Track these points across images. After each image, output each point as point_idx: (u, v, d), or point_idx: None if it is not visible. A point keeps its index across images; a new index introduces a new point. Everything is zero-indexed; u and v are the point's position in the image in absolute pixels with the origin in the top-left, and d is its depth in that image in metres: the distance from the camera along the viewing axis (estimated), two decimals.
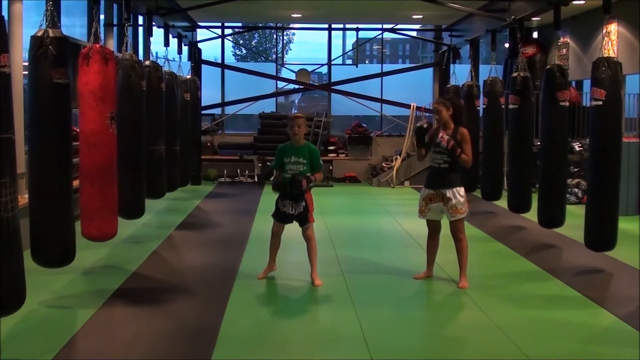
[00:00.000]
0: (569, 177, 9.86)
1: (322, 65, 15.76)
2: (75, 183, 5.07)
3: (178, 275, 6.22)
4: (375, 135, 14.72)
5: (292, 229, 5.90)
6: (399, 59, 50.34)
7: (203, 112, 13.42)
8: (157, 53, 12.69)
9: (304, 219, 5.76)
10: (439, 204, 5.73)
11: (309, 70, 15.31)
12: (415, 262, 6.40)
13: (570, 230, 7.64)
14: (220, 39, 15.19)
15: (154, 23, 9.09)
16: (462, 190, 5.73)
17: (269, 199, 5.94)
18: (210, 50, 17.61)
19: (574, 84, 12.05)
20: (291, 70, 15.34)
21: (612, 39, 10.27)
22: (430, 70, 15.55)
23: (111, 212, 5.38)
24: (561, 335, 4.58)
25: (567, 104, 7.20)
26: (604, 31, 7.34)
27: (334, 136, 14.88)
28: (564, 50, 12.49)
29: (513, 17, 9.33)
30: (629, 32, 10.26)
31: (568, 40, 12.32)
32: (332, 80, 15.39)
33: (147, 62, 7.52)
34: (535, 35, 13.70)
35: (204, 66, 13.93)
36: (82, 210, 5.28)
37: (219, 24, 14.92)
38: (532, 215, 8.02)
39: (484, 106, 9.48)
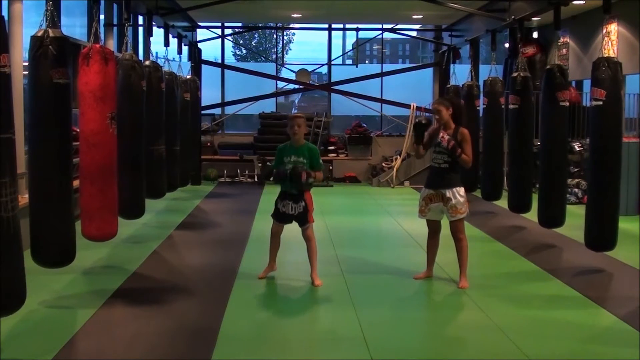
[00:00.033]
0: (569, 177, 9.86)
1: (322, 65, 15.77)
2: (76, 183, 5.07)
3: (178, 275, 6.22)
4: (375, 135, 14.73)
5: (292, 229, 5.90)
6: (399, 59, 50.34)
7: (203, 112, 13.42)
8: (157, 53, 12.71)
9: (304, 219, 5.76)
10: (439, 204, 5.73)
11: (309, 70, 15.31)
12: (415, 262, 6.40)
13: (570, 230, 7.64)
14: (220, 39, 15.20)
15: (154, 23, 9.09)
16: (462, 190, 5.73)
17: (269, 199, 5.94)
18: (210, 50, 17.65)
19: (574, 84, 12.05)
20: (291, 70, 15.34)
21: (612, 39, 10.27)
22: (430, 70, 15.55)
23: (111, 212, 5.38)
24: (561, 335, 4.58)
25: (567, 104, 7.20)
26: (604, 31, 7.34)
27: (334, 136, 14.88)
28: (564, 50, 12.49)
29: (513, 17, 9.33)
30: (629, 32, 10.26)
31: (568, 40, 12.32)
32: (332, 80, 15.39)
33: (147, 62, 7.52)
34: (535, 35, 13.70)
35: (204, 66, 13.93)
36: (82, 210, 5.28)
37: (219, 24, 14.92)
38: (532, 215, 8.02)
39: (484, 106, 9.48)
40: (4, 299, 3.65)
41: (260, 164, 13.77)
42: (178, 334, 4.51)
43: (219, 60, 15.65)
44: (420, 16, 13.29)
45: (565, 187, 7.43)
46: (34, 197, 4.69)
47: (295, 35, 31.04)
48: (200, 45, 14.04)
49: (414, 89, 15.38)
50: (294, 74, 15.10)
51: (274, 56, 19.86)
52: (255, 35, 37.75)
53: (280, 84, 15.56)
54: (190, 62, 13.12)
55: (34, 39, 4.56)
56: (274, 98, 15.56)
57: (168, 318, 4.86)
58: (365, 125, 14.93)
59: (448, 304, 5.50)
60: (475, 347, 4.44)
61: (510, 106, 8.18)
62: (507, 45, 14.29)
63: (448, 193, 5.68)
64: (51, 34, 4.54)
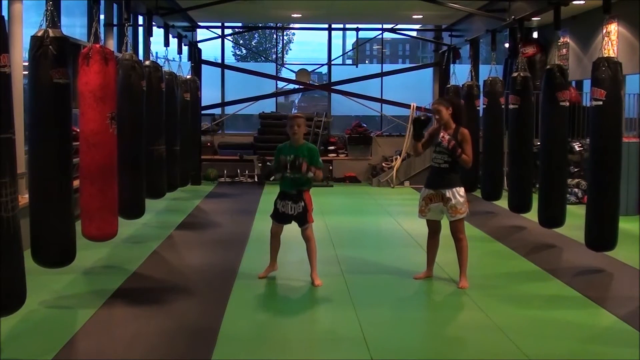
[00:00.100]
0: (569, 177, 9.86)
1: (322, 65, 15.76)
2: (76, 183, 5.07)
3: (178, 275, 6.22)
4: (375, 135, 14.72)
5: (292, 229, 5.90)
6: (399, 59, 50.33)
7: (203, 112, 13.42)
8: (157, 53, 12.70)
9: (303, 219, 5.76)
10: (438, 204, 5.73)
11: (309, 70, 15.31)
12: (415, 262, 6.40)
13: (570, 230, 7.64)
14: (220, 39, 15.20)
15: (154, 23, 9.09)
16: (462, 190, 5.73)
17: (269, 199, 5.94)
18: (210, 50, 17.63)
19: (574, 84, 12.05)
20: (291, 70, 15.34)
21: (612, 39, 10.27)
22: (430, 70, 15.55)
23: (111, 212, 5.38)
24: (561, 335, 4.58)
25: (567, 104, 7.20)
26: (604, 31, 7.34)
27: (334, 136, 14.88)
28: (564, 50, 12.49)
29: (513, 17, 9.33)
30: (629, 32, 10.26)
31: (568, 40, 12.32)
32: (332, 80, 15.39)
33: (147, 62, 7.52)
34: (535, 35, 13.70)
35: (204, 66, 13.93)
36: (83, 210, 5.28)
37: (219, 24, 14.92)
38: (532, 215, 8.03)
39: (484, 106, 9.48)
40: (4, 299, 3.65)
41: (260, 164, 13.77)
42: (178, 334, 4.51)
43: (219, 60, 15.65)
44: (420, 16, 13.29)
45: (565, 187, 7.43)
46: (34, 197, 4.69)
47: (295, 35, 31.06)
48: (200, 45, 14.05)
49: (414, 89, 15.39)
50: (294, 74, 15.10)
51: (274, 56, 19.86)
52: (255, 35, 37.76)
53: (280, 84, 15.56)
54: (190, 62, 13.12)
55: (34, 39, 4.56)
56: (274, 98, 15.56)
57: (168, 318, 4.86)
58: (365, 125, 14.93)
59: (448, 304, 5.50)
60: (475, 347, 4.44)
61: (510, 106, 8.18)
62: (507, 45, 14.28)
63: (448, 193, 5.67)
64: (51, 34, 4.54)
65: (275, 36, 19.48)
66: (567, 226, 7.37)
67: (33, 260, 4.66)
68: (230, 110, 15.08)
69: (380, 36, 16.15)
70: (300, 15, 13.44)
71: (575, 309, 5.19)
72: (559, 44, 12.59)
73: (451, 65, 12.63)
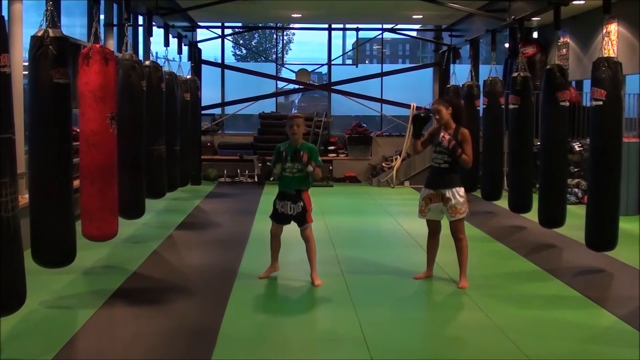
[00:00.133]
0: (569, 177, 9.86)
1: (322, 65, 15.76)
2: (76, 183, 5.07)
3: (178, 275, 6.22)
4: (375, 135, 14.72)
5: (292, 229, 5.90)
6: (399, 59, 50.33)
7: (203, 112, 13.42)
8: (157, 53, 12.69)
9: (302, 219, 5.76)
10: (438, 204, 5.73)
11: (309, 70, 15.31)
12: (415, 262, 6.40)
13: (570, 230, 7.64)
14: (220, 39, 15.20)
15: (154, 23, 9.09)
16: (461, 190, 5.73)
17: (269, 199, 5.93)
18: (210, 50, 17.63)
19: (574, 84, 12.05)
20: (291, 70, 15.34)
21: (612, 39, 10.27)
22: (430, 70, 15.55)
23: (111, 212, 5.38)
24: (561, 335, 4.58)
25: (567, 104, 7.20)
26: (604, 31, 7.34)
27: (334, 136, 14.88)
28: (564, 50, 12.49)
29: (513, 17, 9.33)
30: (629, 32, 10.26)
31: (568, 40, 12.32)
32: (332, 80, 15.39)
33: (147, 62, 7.52)
34: (535, 35, 13.70)
35: (204, 66, 13.93)
36: (83, 210, 5.28)
37: (219, 24, 14.92)
38: (532, 215, 8.03)
39: (484, 106, 9.48)
40: (4, 299, 3.65)
41: (260, 164, 13.77)
42: (178, 334, 4.51)
43: (219, 60, 15.65)
44: (420, 16, 13.29)
45: (565, 187, 7.43)
46: (34, 197, 4.69)
47: (295, 35, 31.07)
48: (200, 45, 14.04)
49: (414, 89, 15.38)
50: (294, 74, 15.10)
51: (274, 56, 19.86)
52: (255, 35, 37.75)
53: (280, 84, 15.56)
54: (190, 62, 13.12)
55: (34, 39, 4.56)
56: (274, 98, 15.56)
57: (168, 318, 4.86)
58: (365, 125, 14.93)
59: (448, 304, 5.50)
60: (475, 347, 4.44)
61: (510, 106, 8.18)
62: (507, 45, 14.28)
63: (448, 193, 5.67)
64: (51, 34, 4.54)
65: (275, 36, 19.49)
66: (567, 226, 7.37)
67: (33, 260, 4.66)
68: (230, 110, 15.08)
69: (380, 36, 16.15)
70: (300, 15, 13.44)
71: (575, 309, 5.19)
72: (559, 44, 12.59)
73: (451, 65, 12.62)
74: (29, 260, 4.28)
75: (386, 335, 4.59)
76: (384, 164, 14.03)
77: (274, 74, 15.65)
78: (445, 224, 5.84)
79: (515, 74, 8.16)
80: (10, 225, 3.62)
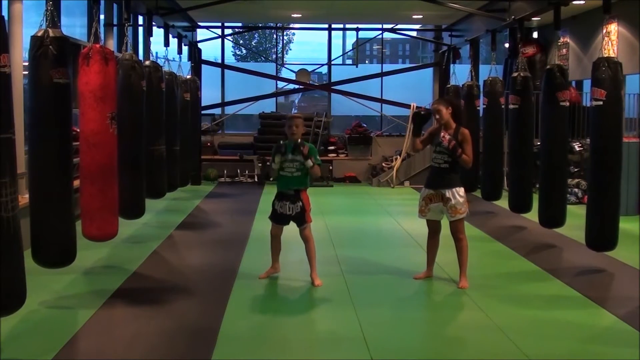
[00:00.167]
0: (569, 177, 9.86)
1: (322, 65, 15.76)
2: (76, 183, 5.07)
3: (178, 275, 6.22)
4: (375, 135, 14.72)
5: (292, 229, 5.90)
6: (399, 59, 50.33)
7: (203, 112, 13.41)
8: (157, 53, 12.69)
9: (301, 219, 5.76)
10: (438, 204, 5.73)
11: (309, 70, 15.31)
12: (415, 262, 6.40)
13: (570, 230, 7.64)
14: (220, 39, 15.20)
15: (154, 23, 9.09)
16: (461, 190, 5.73)
17: (269, 199, 5.94)
18: (210, 50, 17.59)
19: (574, 84, 12.05)
20: (291, 70, 15.34)
21: (612, 39, 10.27)
22: (430, 70, 15.55)
23: (112, 212, 5.38)
24: (561, 335, 4.58)
25: (567, 104, 7.20)
26: (604, 31, 7.34)
27: (334, 136, 14.88)
28: (564, 50, 12.49)
29: (513, 17, 9.33)
30: (629, 32, 10.26)
31: (568, 40, 12.32)
32: (332, 80, 15.39)
33: (147, 62, 7.52)
34: (535, 35, 13.70)
35: (204, 66, 13.93)
36: (83, 210, 5.28)
37: (219, 24, 14.92)
38: (532, 215, 8.03)
39: (484, 106, 9.48)
40: (4, 299, 3.65)
41: (260, 164, 13.77)
42: (178, 334, 4.51)
43: (219, 60, 15.65)
44: (420, 16, 13.29)
45: (565, 187, 7.43)
46: (34, 197, 4.69)
47: (295, 35, 31.06)
48: (200, 45, 14.04)
49: (414, 89, 15.38)
50: (294, 74, 15.10)
51: (274, 56, 19.86)
52: (255, 35, 37.74)
53: (280, 84, 15.56)
54: (190, 62, 13.12)
55: (34, 39, 4.56)
56: (274, 98, 15.56)
57: (168, 318, 4.86)
58: (365, 125, 14.93)
59: (448, 304, 5.50)
60: (475, 347, 4.44)
61: (510, 106, 8.18)
62: (507, 45, 14.28)
63: (448, 193, 5.67)
64: (51, 34, 4.54)
65: (275, 36, 19.49)
66: (567, 226, 7.37)
67: (33, 260, 4.66)
68: (230, 110, 15.08)
69: (380, 36, 16.15)
70: (300, 15, 13.44)
71: (575, 309, 5.19)
72: (559, 44, 12.59)
73: (451, 65, 12.62)
74: (29, 260, 4.28)
75: (386, 335, 4.59)
76: (384, 164, 14.03)
77: (274, 74, 15.65)
78: (445, 224, 5.84)
79: (515, 74, 8.16)
80: (10, 225, 3.62)
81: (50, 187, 4.62)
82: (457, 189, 5.70)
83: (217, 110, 14.99)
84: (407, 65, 26.85)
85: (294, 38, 32.19)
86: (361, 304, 5.19)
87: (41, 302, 5.08)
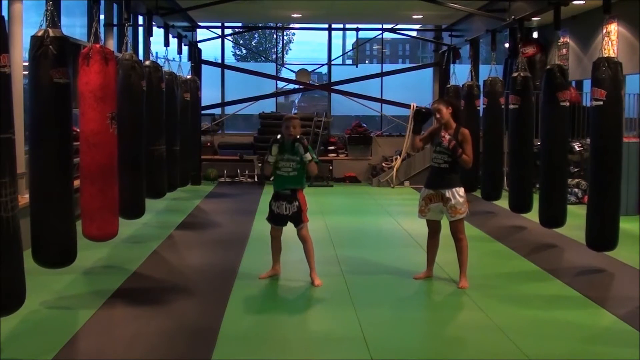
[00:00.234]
0: (569, 177, 9.86)
1: (322, 65, 15.76)
2: (76, 183, 5.07)
3: (178, 275, 6.22)
4: (375, 135, 14.72)
5: (292, 229, 5.90)
6: (399, 59, 50.33)
7: (203, 112, 13.41)
8: (157, 53, 12.69)
9: (298, 219, 5.76)
10: (438, 204, 5.73)
11: (309, 70, 15.31)
12: (415, 262, 6.40)
13: (570, 230, 7.64)
14: (220, 39, 15.19)
15: (154, 23, 9.09)
16: (461, 190, 5.73)
17: (269, 199, 5.94)
18: (210, 50, 17.56)
19: (574, 84, 12.05)
20: (291, 70, 15.34)
21: (612, 39, 10.27)
22: (430, 70, 15.55)
23: (112, 212, 5.38)
24: (561, 335, 4.58)
25: (568, 104, 7.20)
26: (604, 31, 7.34)
27: (334, 136, 14.88)
28: (564, 50, 12.49)
29: (513, 17, 9.33)
30: (629, 32, 10.26)
31: (568, 40, 12.32)
32: (332, 80, 15.39)
33: (147, 62, 7.52)
34: (535, 35, 13.70)
35: (204, 66, 13.93)
36: (83, 210, 5.28)
37: (219, 24, 14.92)
38: (532, 215, 8.03)
39: (484, 106, 9.48)
40: (4, 299, 3.64)
41: (260, 164, 13.77)
42: (178, 334, 4.51)
43: (219, 60, 15.65)
44: (420, 16, 13.29)
45: (565, 187, 7.43)
46: (34, 197, 4.69)
47: (295, 35, 31.06)
48: (200, 45, 14.05)
49: (414, 89, 15.38)
50: (294, 74, 15.10)
51: (274, 56, 19.86)
52: (255, 35, 37.74)
53: (280, 84, 15.56)
54: (190, 62, 13.12)
55: (34, 39, 4.56)
56: (274, 98, 15.56)
57: (168, 318, 4.86)
58: (365, 125, 14.92)
59: (448, 304, 5.50)
60: (475, 347, 4.44)
61: (510, 106, 8.18)
62: (507, 45, 14.28)
63: (447, 193, 5.67)
64: (51, 34, 4.54)
65: (275, 36, 19.48)
66: (567, 226, 7.37)
67: (33, 260, 4.66)
68: (230, 110, 15.08)
69: (380, 36, 16.15)
70: (300, 15, 13.44)
71: (575, 309, 5.19)
72: (559, 44, 12.59)
73: (451, 65, 12.63)
74: (29, 260, 4.28)
75: (386, 335, 4.59)
76: (384, 164, 14.03)
77: (274, 74, 15.65)
78: (445, 224, 5.84)
79: (515, 74, 8.16)
80: (10, 225, 3.62)
81: (50, 187, 4.62)
82: (457, 189, 5.70)
83: (217, 110, 14.99)
84: (407, 65, 26.84)
85: (294, 38, 32.23)
86: (361, 304, 5.19)
87: (41, 302, 5.09)
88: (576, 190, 10.39)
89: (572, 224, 7.41)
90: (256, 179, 13.71)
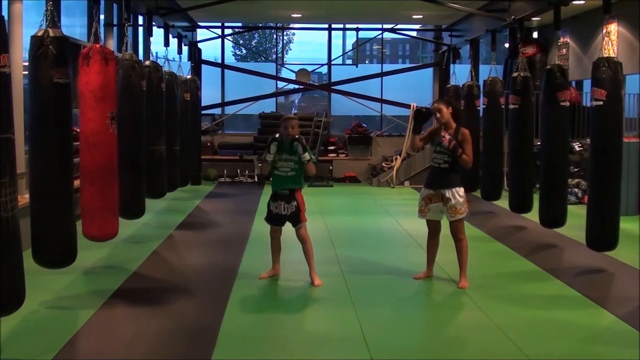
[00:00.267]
0: (569, 177, 9.86)
1: (322, 65, 15.76)
2: (76, 183, 5.07)
3: (178, 275, 6.22)
4: (375, 135, 14.72)
5: (292, 230, 5.90)
6: (399, 59, 50.33)
7: (203, 112, 13.41)
8: (157, 53, 12.69)
9: (297, 219, 5.76)
10: (438, 204, 5.73)
11: (309, 70, 15.30)
12: (415, 262, 6.40)
13: (570, 230, 7.64)
14: (220, 39, 15.20)
15: (154, 23, 9.09)
16: (461, 190, 5.73)
17: (268, 199, 5.93)
18: (210, 50, 17.59)
19: (574, 84, 12.05)
20: (291, 70, 15.34)
21: (612, 39, 10.27)
22: (430, 70, 15.55)
23: (112, 212, 5.38)
24: (561, 335, 4.58)
25: (568, 104, 7.20)
26: (604, 31, 7.34)
27: (334, 136, 14.88)
28: (564, 50, 12.49)
29: (513, 17, 9.33)
30: (629, 32, 10.26)
31: (568, 40, 12.32)
32: (332, 80, 15.39)
33: (147, 62, 7.52)
34: (535, 35, 13.70)
35: (204, 66, 13.93)
36: (83, 211, 5.28)
37: (219, 24, 14.92)
38: (532, 215, 8.03)
39: (484, 106, 9.48)
40: (4, 299, 3.65)
41: (260, 164, 13.75)
42: (178, 334, 4.51)
43: (219, 60, 15.65)
44: (420, 16, 13.29)
45: (565, 187, 7.43)
46: (34, 197, 4.69)
47: (295, 35, 31.06)
48: (200, 45, 14.05)
49: (414, 89, 15.38)
50: (294, 74, 15.10)
51: (274, 56, 19.86)
52: (255, 35, 37.73)
53: (280, 84, 15.56)
54: (190, 62, 13.12)
55: (34, 39, 4.56)
56: (274, 98, 15.56)
57: (168, 318, 4.86)
58: (365, 125, 14.92)
59: (448, 304, 5.50)
60: (475, 347, 4.44)
61: (510, 106, 8.18)
62: (507, 45, 14.28)
63: (447, 193, 5.67)
64: (51, 34, 4.54)
65: (275, 36, 19.48)
66: (567, 226, 7.37)
67: (33, 260, 4.66)
68: (230, 110, 15.07)
69: (380, 36, 16.15)
70: (300, 15, 13.44)
71: (575, 309, 5.19)
72: (559, 44, 12.59)
73: (451, 65, 12.62)
74: (29, 260, 4.29)
75: (386, 335, 4.59)
76: (384, 164, 14.02)
77: (274, 74, 15.65)
78: (445, 224, 5.84)
79: (515, 74, 8.16)
80: (9, 225, 3.62)
81: (50, 187, 4.63)
82: (457, 189, 5.70)
83: (217, 110, 14.99)
84: (407, 65, 26.82)
85: (294, 38, 32.23)
86: (361, 304, 5.19)
87: (41, 302, 5.09)
88: (576, 190, 10.39)
89: (572, 224, 7.41)
90: (256, 179, 13.71)
